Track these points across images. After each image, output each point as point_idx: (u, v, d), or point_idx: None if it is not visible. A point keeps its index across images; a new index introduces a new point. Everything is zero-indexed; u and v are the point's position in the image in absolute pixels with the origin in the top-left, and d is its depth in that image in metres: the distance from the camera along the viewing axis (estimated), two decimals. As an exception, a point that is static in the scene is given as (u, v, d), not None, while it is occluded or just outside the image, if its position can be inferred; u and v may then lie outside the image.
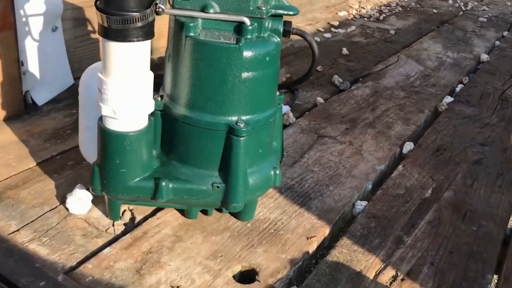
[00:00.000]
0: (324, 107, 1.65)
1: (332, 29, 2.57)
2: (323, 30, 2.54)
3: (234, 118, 0.93)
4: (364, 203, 1.19)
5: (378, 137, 1.50)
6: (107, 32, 0.83)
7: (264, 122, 0.97)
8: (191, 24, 0.88)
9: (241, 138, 0.93)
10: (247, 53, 0.89)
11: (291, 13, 0.94)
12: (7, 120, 1.29)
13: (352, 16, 2.92)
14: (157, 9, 0.83)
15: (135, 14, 0.81)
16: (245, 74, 0.90)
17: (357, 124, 1.56)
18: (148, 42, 0.86)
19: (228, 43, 0.88)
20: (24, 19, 1.27)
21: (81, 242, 0.96)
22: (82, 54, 1.53)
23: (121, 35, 0.82)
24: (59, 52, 1.42)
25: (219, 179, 0.97)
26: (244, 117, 0.93)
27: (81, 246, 0.95)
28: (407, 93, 1.85)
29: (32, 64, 1.34)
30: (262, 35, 0.92)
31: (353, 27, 2.66)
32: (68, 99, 1.45)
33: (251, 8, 0.89)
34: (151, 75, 0.90)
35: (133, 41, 0.83)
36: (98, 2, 0.83)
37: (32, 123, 1.31)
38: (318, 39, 2.37)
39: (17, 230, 0.96)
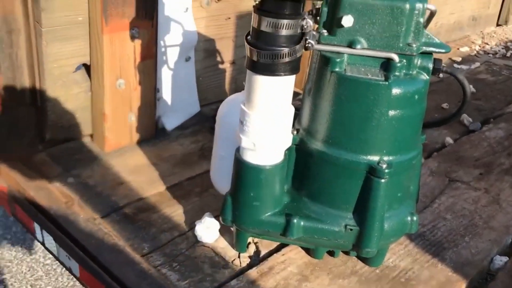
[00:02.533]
0: (454, 148, 1.54)
1: (455, 65, 2.44)
2: (445, 65, 2.40)
3: (376, 158, 0.88)
4: (505, 258, 1.08)
5: (517, 185, 1.36)
6: (255, 66, 0.83)
7: (407, 164, 0.91)
8: (338, 60, 0.86)
9: (382, 180, 0.87)
10: (396, 91, 0.84)
11: (442, 51, 0.88)
12: (139, 143, 1.36)
13: (475, 52, 2.75)
14: (306, 45, 0.82)
15: (285, 49, 0.80)
16: (392, 112, 0.85)
17: (492, 170, 1.43)
18: (293, 76, 0.85)
19: (376, 79, 0.84)
20: (163, 49, 1.34)
21: (208, 271, 0.96)
22: (209, 83, 1.57)
23: (269, 69, 0.82)
24: (190, 81, 1.47)
25: (353, 221, 0.92)
26: (386, 158, 0.88)
27: (208, 275, 0.95)
28: (547, 137, 1.67)
29: (166, 91, 1.41)
30: (410, 72, 0.88)
31: (478, 64, 2.50)
32: (195, 125, 1.49)
33: (401, 45, 0.85)
34: (292, 109, 0.89)
35: (280, 75, 0.82)
36: (248, 36, 0.84)
37: (162, 147, 1.36)
38: (441, 75, 2.25)
39: (149, 253, 0.99)
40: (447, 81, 2.18)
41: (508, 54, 2.77)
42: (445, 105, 1.86)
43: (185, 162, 1.31)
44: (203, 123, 1.50)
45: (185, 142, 1.40)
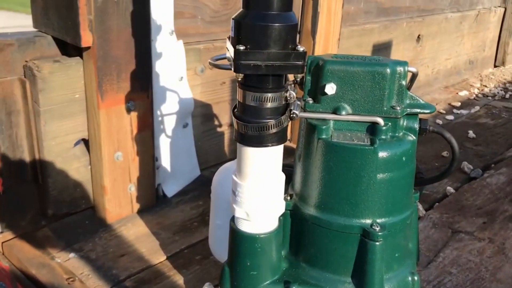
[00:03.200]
0: (456, 197, 1.53)
1: (454, 110, 2.46)
2: (444, 112, 2.43)
3: (369, 221, 0.88)
4: (515, 313, 1.05)
5: (522, 233, 1.34)
6: (243, 138, 0.85)
7: (401, 224, 0.91)
8: (323, 127, 0.88)
9: (377, 243, 0.87)
10: (382, 154, 0.85)
11: (427, 111, 0.90)
12: (140, 212, 1.37)
13: (474, 95, 2.78)
14: (291, 115, 0.84)
15: (271, 121, 0.82)
16: (380, 176, 0.86)
17: (496, 218, 1.42)
18: (281, 146, 0.87)
19: (362, 144, 0.85)
20: (160, 118, 1.37)
21: None
22: (208, 147, 1.60)
23: (256, 141, 0.84)
24: (188, 147, 1.50)
25: (352, 285, 0.91)
26: (379, 220, 0.88)
27: None
28: (551, 181, 1.66)
29: (165, 159, 1.43)
30: (396, 134, 0.89)
31: (477, 107, 2.52)
32: (195, 190, 1.50)
33: (385, 109, 0.87)
34: (283, 177, 0.90)
35: (268, 146, 0.84)
36: (235, 109, 0.86)
37: (162, 215, 1.37)
38: (441, 122, 2.27)
39: (150, 329, 0.98)
40: (446, 127, 2.19)
41: (507, 96, 2.80)
42: (445, 153, 1.87)
43: (185, 229, 1.31)
44: (203, 187, 1.52)
45: (186, 208, 1.41)
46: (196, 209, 1.41)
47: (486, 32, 3.15)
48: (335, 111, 0.88)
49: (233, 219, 0.93)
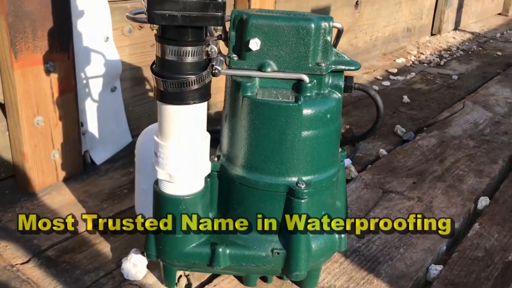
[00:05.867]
0: (388, 159, 1.56)
1: (391, 77, 2.50)
2: (381, 78, 2.47)
3: (294, 179, 0.87)
4: (440, 267, 1.08)
5: (449, 191, 1.38)
6: (163, 96, 0.81)
7: (327, 182, 0.91)
8: (248, 84, 0.85)
9: (302, 201, 0.86)
10: (306, 111, 0.84)
11: (352, 68, 0.89)
12: (66, 180, 1.30)
13: (411, 62, 2.84)
14: (213, 71, 0.80)
15: (191, 77, 0.78)
16: (305, 133, 0.85)
17: (425, 178, 1.46)
18: (205, 104, 0.84)
19: (286, 101, 0.83)
20: (84, 81, 1.30)
21: (135, 312, 0.91)
22: (140, 112, 1.54)
23: (177, 98, 0.80)
24: (118, 112, 1.44)
25: (280, 244, 0.91)
26: (305, 178, 0.87)
27: (135, 317, 0.90)
28: (477, 142, 1.72)
29: (92, 124, 1.36)
30: (322, 91, 0.88)
31: (413, 74, 2.58)
32: (125, 157, 1.45)
33: (310, 65, 0.85)
34: (207, 137, 0.87)
35: (189, 103, 0.81)
36: (154, 65, 0.82)
37: (90, 183, 1.31)
38: (377, 88, 2.30)
39: (72, 298, 0.93)
40: (382, 92, 2.23)
41: (442, 63, 2.87)
42: (380, 117, 1.89)
43: (114, 197, 1.26)
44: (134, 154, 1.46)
45: (115, 176, 1.36)
46: (127, 176, 1.36)
47: (423, 0, 3.21)
48: (260, 68, 0.85)
49: (156, 182, 0.89)
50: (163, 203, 0.88)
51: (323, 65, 0.85)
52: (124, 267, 0.98)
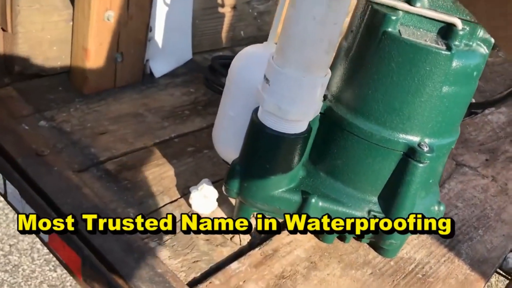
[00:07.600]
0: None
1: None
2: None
3: (416, 139, 0.76)
4: (517, 256, 1.00)
5: (524, 176, 1.29)
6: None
7: (447, 148, 0.80)
8: (393, 17, 0.71)
9: (421, 165, 0.76)
10: (456, 63, 0.71)
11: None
12: (123, 88, 1.18)
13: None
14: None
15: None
16: (446, 88, 0.73)
17: (498, 157, 1.35)
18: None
19: (437, 47, 0.70)
20: (161, -19, 1.15)
21: (204, 249, 0.82)
22: (205, 28, 1.39)
23: (315, 19, 0.67)
24: (185, 22, 1.29)
25: (378, 207, 0.81)
26: (428, 140, 0.76)
27: (204, 254, 0.81)
28: (549, 127, 1.61)
29: (158, 31, 1.22)
30: (471, 43, 0.75)
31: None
32: (186, 75, 1.32)
33: (466, 10, 0.72)
34: (329, 72, 0.75)
35: (326, 28, 0.67)
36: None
37: (149, 95, 1.19)
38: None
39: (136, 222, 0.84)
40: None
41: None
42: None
43: (175, 116, 1.14)
44: (195, 72, 1.33)
45: (176, 93, 1.23)
46: (188, 95, 1.24)
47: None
48: (409, 1, 0.72)
49: (256, 111, 0.78)
50: (261, 138, 0.77)
51: (481, 12, 0.72)
52: (193, 197, 0.89)
